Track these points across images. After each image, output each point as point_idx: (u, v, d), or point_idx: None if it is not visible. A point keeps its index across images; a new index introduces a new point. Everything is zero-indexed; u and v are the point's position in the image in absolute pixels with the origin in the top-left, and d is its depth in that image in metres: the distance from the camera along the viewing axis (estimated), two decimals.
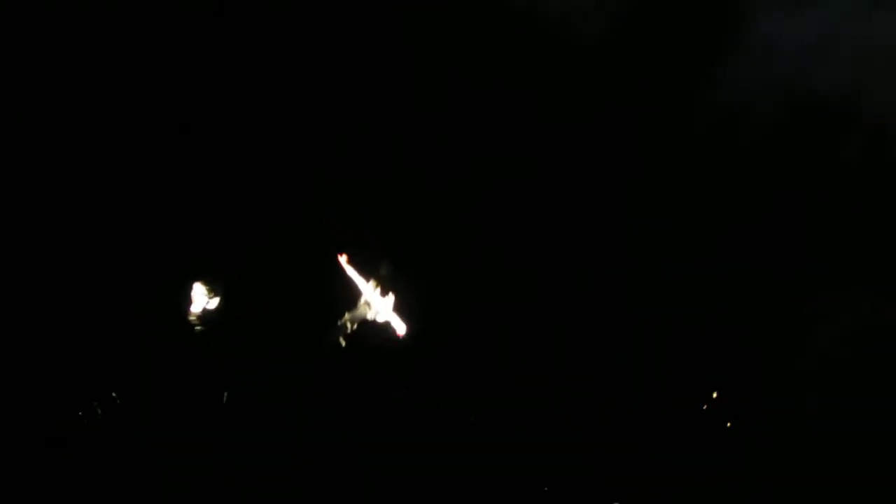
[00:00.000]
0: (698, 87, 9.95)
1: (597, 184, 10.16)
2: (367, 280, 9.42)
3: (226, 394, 9.52)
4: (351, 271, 9.42)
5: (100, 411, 9.61)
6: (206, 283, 10.36)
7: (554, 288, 9.94)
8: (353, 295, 9.51)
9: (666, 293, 9.80)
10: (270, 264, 9.95)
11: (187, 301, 10.21)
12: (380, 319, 9.38)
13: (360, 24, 10.23)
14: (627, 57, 10.04)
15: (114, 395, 9.67)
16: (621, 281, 9.97)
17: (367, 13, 10.22)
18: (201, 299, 10.24)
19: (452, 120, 10.26)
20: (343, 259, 9.41)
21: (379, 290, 9.37)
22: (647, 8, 10.13)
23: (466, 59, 10.08)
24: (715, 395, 9.46)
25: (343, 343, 9.41)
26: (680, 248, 9.81)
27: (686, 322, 9.76)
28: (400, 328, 9.38)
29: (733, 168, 9.95)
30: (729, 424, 9.39)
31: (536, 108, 10.12)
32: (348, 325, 9.46)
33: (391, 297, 9.35)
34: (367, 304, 9.41)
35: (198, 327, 10.17)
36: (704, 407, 9.49)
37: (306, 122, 10.37)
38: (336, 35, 10.27)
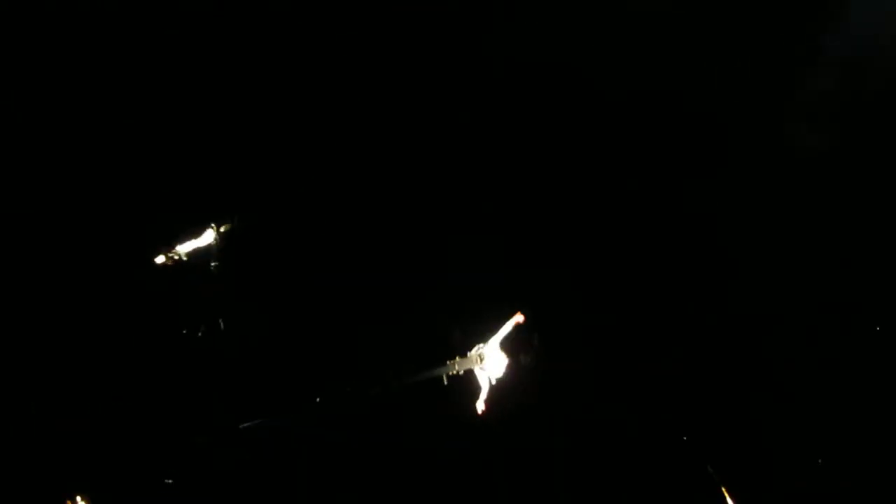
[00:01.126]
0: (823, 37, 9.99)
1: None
2: (499, 342, 9.71)
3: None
4: (508, 328, 9.61)
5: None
6: None
7: None
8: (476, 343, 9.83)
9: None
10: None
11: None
12: (482, 377, 9.71)
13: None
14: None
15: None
16: None
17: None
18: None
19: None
20: (517, 317, 9.60)
21: (498, 351, 9.90)
22: None
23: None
24: None
25: (445, 381, 10.07)
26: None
27: None
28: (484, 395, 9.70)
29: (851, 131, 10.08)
30: None
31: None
32: (456, 366, 10.02)
33: (505, 362, 9.94)
34: (480, 357, 9.95)
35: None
36: None
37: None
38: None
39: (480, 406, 9.79)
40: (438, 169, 10.57)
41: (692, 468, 9.96)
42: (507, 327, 9.75)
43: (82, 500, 9.60)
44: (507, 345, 9.79)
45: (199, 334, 9.93)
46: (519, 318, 9.70)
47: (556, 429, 10.54)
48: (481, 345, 9.88)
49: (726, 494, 9.62)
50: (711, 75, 10.05)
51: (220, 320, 9.96)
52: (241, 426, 9.95)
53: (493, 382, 9.83)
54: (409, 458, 10.29)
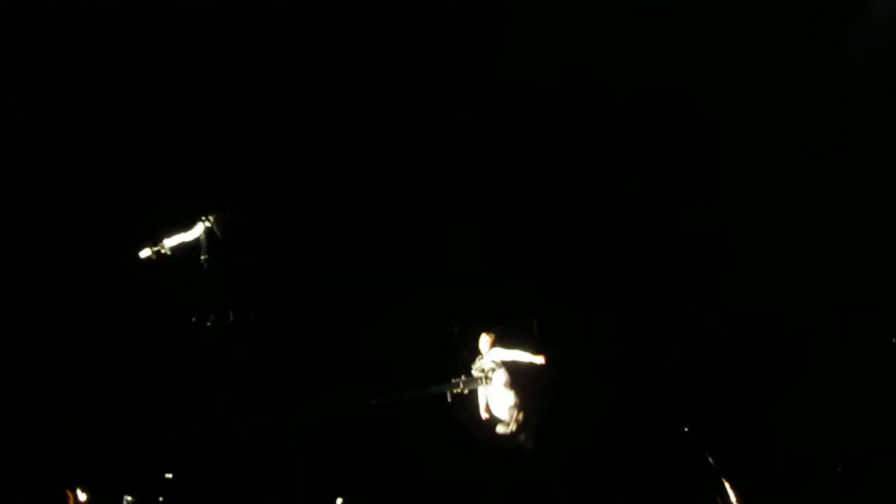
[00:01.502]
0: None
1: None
2: (507, 369, 9.60)
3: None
4: (524, 358, 9.52)
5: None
6: None
7: None
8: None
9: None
10: None
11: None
12: (483, 396, 9.70)
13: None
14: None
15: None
16: None
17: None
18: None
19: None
20: (540, 357, 9.44)
21: (506, 378, 9.60)
22: None
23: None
24: None
25: (449, 398, 9.80)
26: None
27: None
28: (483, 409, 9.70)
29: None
30: None
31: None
32: (461, 384, 9.75)
33: (510, 394, 9.62)
34: (486, 378, 9.65)
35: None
36: None
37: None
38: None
39: (484, 414, 9.75)
40: (439, 169, 10.21)
41: (692, 458, 9.86)
42: (523, 357, 9.54)
43: (83, 492, 9.65)
44: (516, 381, 9.59)
45: (209, 324, 9.78)
46: (540, 359, 9.50)
47: (557, 429, 10.39)
48: (489, 362, 9.59)
49: (726, 484, 9.57)
50: (723, 75, 9.79)
51: (231, 312, 9.79)
52: (238, 421, 9.90)
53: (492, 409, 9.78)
54: (408, 458, 10.18)
